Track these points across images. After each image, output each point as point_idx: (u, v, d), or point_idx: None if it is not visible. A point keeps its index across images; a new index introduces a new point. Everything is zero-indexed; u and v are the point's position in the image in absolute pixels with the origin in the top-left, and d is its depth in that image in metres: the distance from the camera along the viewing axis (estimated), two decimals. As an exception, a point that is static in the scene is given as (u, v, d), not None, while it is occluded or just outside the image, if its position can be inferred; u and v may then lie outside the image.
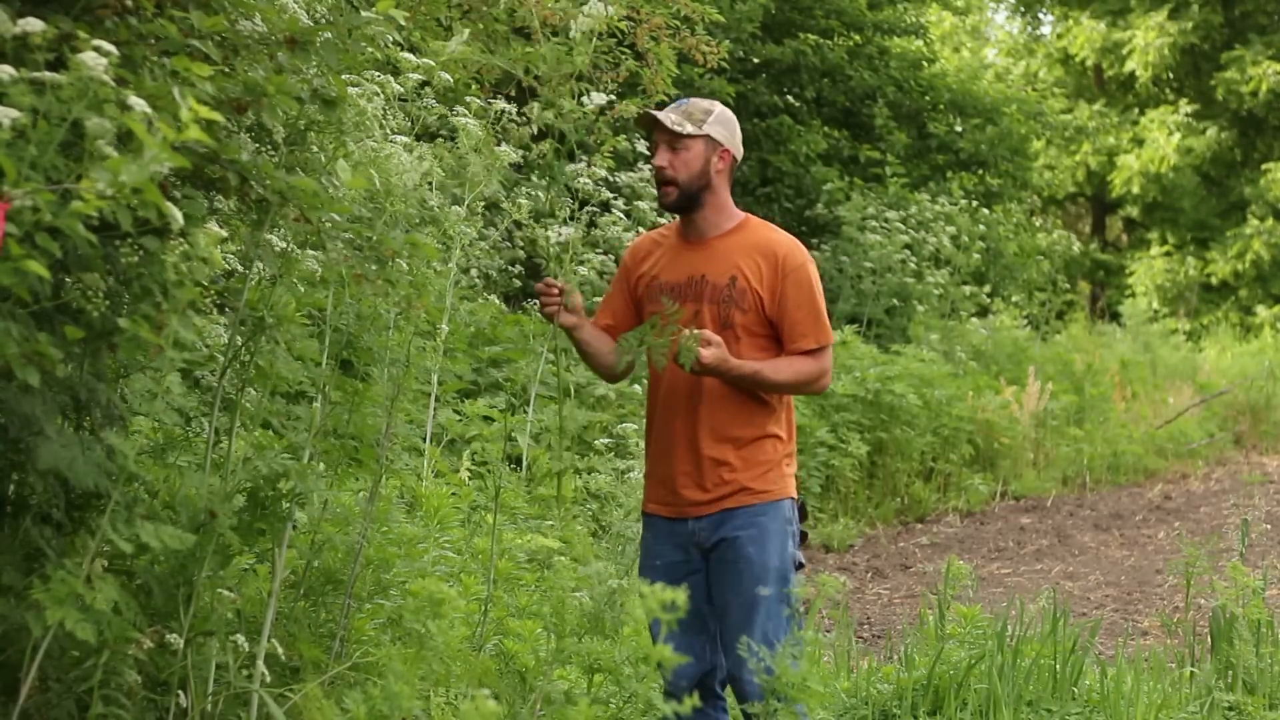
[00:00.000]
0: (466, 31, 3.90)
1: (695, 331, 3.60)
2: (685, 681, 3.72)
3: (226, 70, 2.98)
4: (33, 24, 2.47)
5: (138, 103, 2.39)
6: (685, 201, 3.75)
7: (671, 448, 3.77)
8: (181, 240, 2.85)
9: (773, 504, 3.73)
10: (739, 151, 3.82)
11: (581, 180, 5.40)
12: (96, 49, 2.42)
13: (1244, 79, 23.33)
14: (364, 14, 3.17)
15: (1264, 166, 23.19)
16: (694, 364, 3.60)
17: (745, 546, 3.69)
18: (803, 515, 3.85)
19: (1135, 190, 23.84)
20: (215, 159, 2.97)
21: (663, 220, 9.36)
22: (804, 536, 3.87)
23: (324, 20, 3.23)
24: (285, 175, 3.07)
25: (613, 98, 3.90)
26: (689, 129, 3.71)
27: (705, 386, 3.72)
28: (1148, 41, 24.00)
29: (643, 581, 3.82)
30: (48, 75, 2.42)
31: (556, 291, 3.79)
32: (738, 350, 3.70)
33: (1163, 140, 23.68)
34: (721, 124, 3.77)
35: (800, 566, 3.79)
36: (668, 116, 3.73)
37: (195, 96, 2.46)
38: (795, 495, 3.81)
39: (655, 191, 3.85)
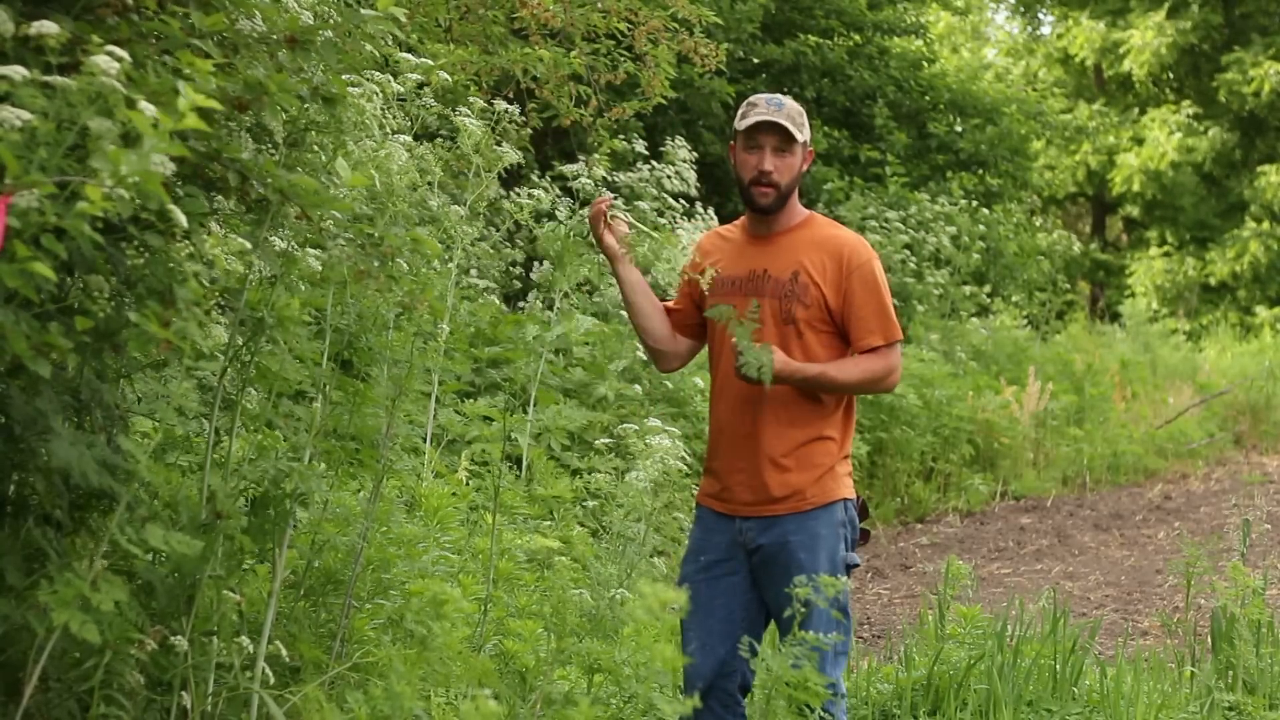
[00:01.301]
0: None
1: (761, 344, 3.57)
2: (701, 682, 3.71)
3: (227, 70, 2.98)
4: (48, 27, 2.47)
5: (147, 107, 2.40)
6: (780, 203, 3.77)
7: (731, 443, 3.75)
8: (187, 242, 2.86)
9: (824, 508, 3.71)
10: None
11: (582, 180, 5.43)
12: (109, 53, 2.42)
13: (1245, 80, 23.33)
14: (364, 12, 3.17)
15: (1260, 169, 23.19)
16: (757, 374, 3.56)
17: (796, 552, 3.68)
18: (863, 514, 3.82)
19: (1135, 188, 23.83)
20: (216, 158, 2.97)
21: (663, 220, 9.36)
22: (866, 535, 3.84)
23: (327, 19, 3.23)
24: (286, 174, 3.07)
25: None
26: (801, 137, 3.74)
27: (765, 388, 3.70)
28: (1145, 41, 24.00)
29: (682, 569, 3.82)
30: (58, 79, 2.42)
31: (606, 204, 3.80)
32: (801, 345, 3.69)
33: (1164, 138, 23.67)
34: (808, 125, 3.82)
35: (854, 567, 3.76)
36: (790, 120, 3.72)
37: (195, 88, 2.47)
38: (851, 495, 3.78)
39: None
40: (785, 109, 3.73)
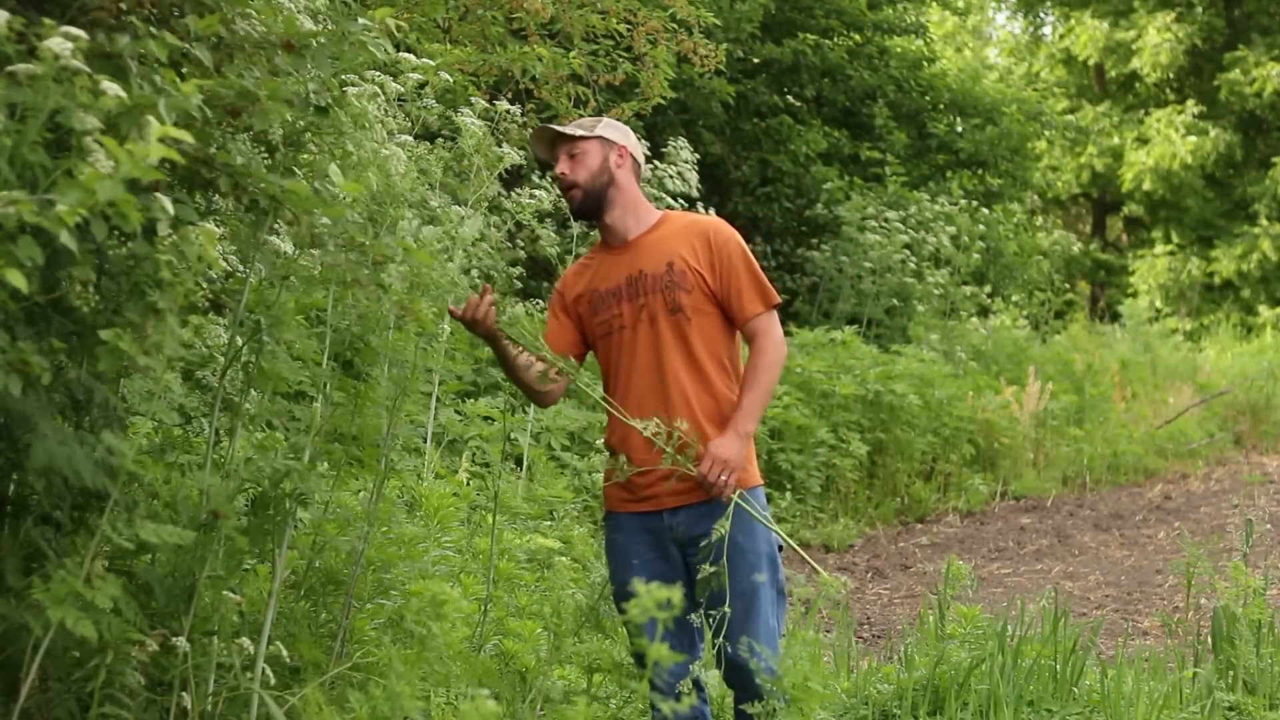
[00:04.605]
0: None
1: (713, 469, 3.65)
2: (676, 680, 3.72)
3: (221, 74, 2.97)
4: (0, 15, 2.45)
5: (111, 87, 2.38)
6: (593, 202, 3.83)
7: (643, 442, 3.74)
8: (172, 236, 2.84)
9: (750, 491, 3.77)
10: (639, 155, 3.94)
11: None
12: (65, 34, 2.39)
13: (1247, 80, 23.34)
14: (360, 21, 3.16)
15: (1273, 160, 23.16)
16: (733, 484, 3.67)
17: (734, 536, 3.70)
18: None
19: (1145, 187, 23.80)
20: (209, 162, 2.97)
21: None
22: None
23: (323, 23, 3.22)
24: (279, 179, 3.06)
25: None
26: (580, 133, 3.83)
27: (672, 378, 3.75)
28: (1159, 41, 23.97)
29: (616, 579, 3.84)
30: (20, 67, 2.38)
31: (486, 300, 3.73)
32: (692, 330, 3.74)
33: (1176, 139, 23.63)
34: (613, 129, 3.89)
35: (780, 550, 3.83)
36: (560, 125, 3.87)
37: (179, 107, 2.45)
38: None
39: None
40: (568, 124, 3.89)
